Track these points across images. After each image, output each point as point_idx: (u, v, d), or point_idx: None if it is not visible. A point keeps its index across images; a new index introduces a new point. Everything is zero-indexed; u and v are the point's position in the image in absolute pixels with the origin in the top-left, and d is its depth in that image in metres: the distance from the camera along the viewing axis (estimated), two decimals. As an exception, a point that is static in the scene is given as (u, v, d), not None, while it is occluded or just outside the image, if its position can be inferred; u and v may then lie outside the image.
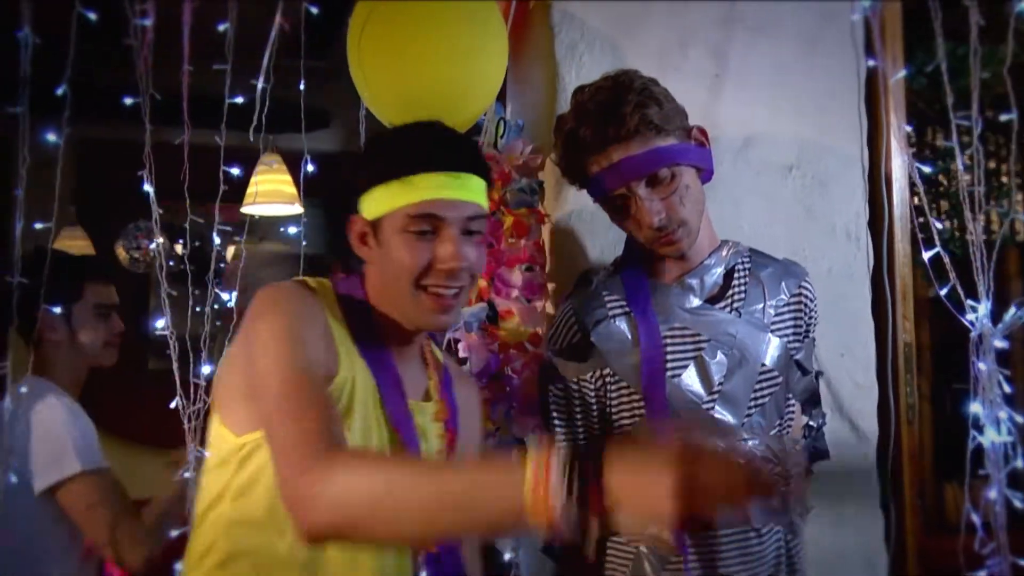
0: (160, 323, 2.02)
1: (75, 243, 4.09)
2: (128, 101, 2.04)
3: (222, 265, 2.38)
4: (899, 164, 2.26)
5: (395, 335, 1.44)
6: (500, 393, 1.94)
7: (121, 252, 4.73)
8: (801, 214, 2.19)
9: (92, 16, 2.03)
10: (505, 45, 1.82)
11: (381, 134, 1.53)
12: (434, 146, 1.38)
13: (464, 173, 1.35)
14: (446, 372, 1.56)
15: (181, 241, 2.18)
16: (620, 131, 1.58)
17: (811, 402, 1.86)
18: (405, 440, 1.38)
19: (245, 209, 3.30)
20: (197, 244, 2.08)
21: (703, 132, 1.69)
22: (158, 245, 2.11)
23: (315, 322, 1.32)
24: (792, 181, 2.20)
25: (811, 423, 1.87)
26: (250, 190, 3.29)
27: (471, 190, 1.36)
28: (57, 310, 2.10)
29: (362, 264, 1.45)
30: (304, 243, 2.33)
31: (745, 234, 2.06)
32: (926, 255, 1.73)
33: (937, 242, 1.69)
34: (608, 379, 1.69)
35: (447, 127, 1.43)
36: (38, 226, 2.06)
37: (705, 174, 1.70)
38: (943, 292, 1.65)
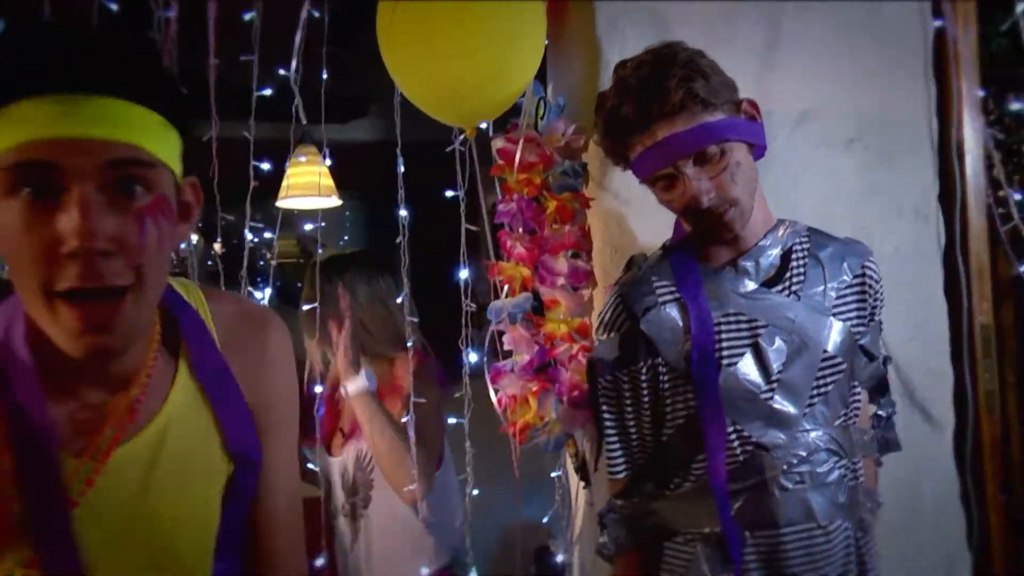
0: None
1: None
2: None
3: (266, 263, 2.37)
4: (972, 133, 2.16)
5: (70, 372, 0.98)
6: (547, 386, 1.90)
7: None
8: (864, 191, 2.11)
9: (114, 7, 2.04)
10: (542, 21, 1.76)
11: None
12: (37, 54, 0.89)
13: (94, 96, 0.88)
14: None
15: (219, 240, 2.17)
16: (664, 107, 1.52)
17: (879, 390, 1.80)
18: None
19: (280, 203, 3.30)
20: (234, 242, 2.08)
21: (753, 105, 1.61)
22: (194, 244, 2.10)
23: None
24: (853, 156, 2.11)
25: (879, 412, 1.82)
26: (284, 183, 3.28)
27: (111, 121, 0.89)
28: None
29: None
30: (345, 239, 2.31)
31: (803, 213, 1.97)
32: (1003, 230, 1.65)
33: (1016, 216, 1.60)
34: (660, 369, 1.63)
35: (70, 27, 0.92)
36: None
37: (757, 150, 1.62)
38: (1024, 269, 1.57)
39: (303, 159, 3.06)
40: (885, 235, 2.08)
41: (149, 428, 1.01)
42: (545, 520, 2.15)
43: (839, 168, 2.10)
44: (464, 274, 2.06)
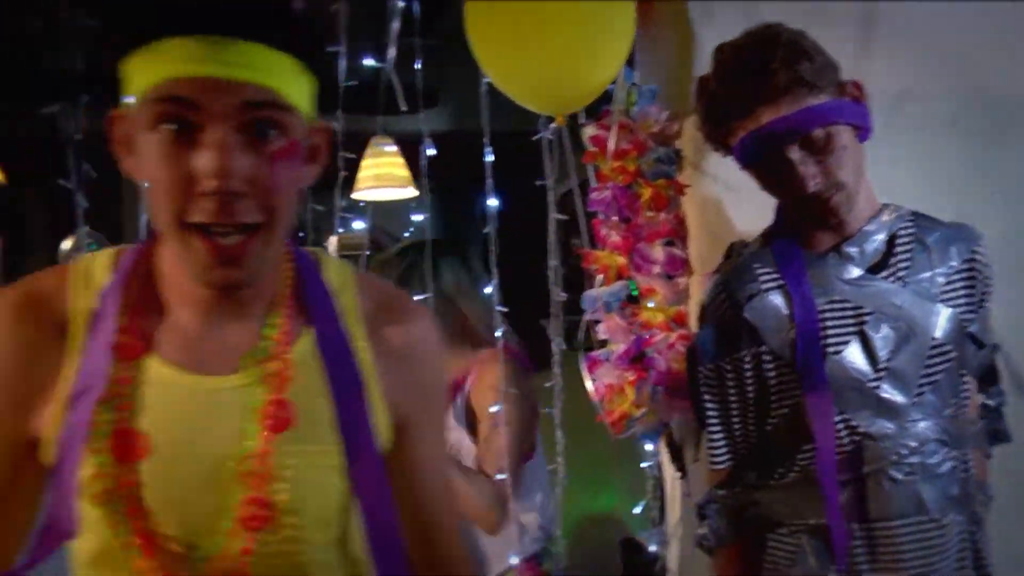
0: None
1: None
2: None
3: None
4: None
5: (198, 305, 1.02)
6: (644, 375, 1.91)
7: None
8: (967, 173, 2.07)
9: None
10: (632, 7, 1.77)
11: None
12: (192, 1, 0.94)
13: (238, 39, 0.92)
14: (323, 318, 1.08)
15: (303, 235, 2.21)
16: (768, 90, 1.52)
17: (988, 379, 1.76)
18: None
19: (356, 195, 3.34)
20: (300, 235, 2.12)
21: (858, 86, 1.60)
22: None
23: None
24: (956, 137, 2.08)
25: (988, 402, 1.78)
26: (361, 174, 3.32)
27: (251, 64, 0.93)
28: None
29: None
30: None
31: (903, 197, 1.96)
32: None
33: None
34: (764, 357, 1.63)
35: None
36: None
37: (862, 132, 1.61)
38: None
39: (388, 148, 3.11)
40: (990, 218, 2.00)
41: (236, 371, 1.03)
42: (637, 510, 2.16)
43: (941, 150, 2.07)
44: (553, 263, 2.08)
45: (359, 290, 1.11)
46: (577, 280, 2.09)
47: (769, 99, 1.52)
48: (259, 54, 0.93)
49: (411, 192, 3.41)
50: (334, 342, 1.05)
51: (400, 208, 3.71)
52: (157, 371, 1.00)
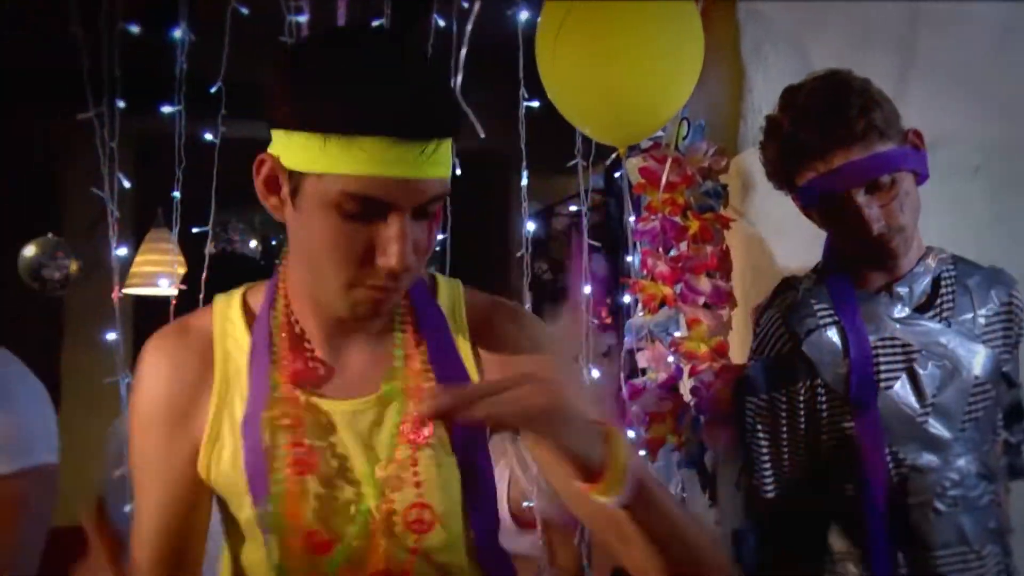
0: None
1: (162, 245, 4.11)
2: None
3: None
4: None
5: (330, 328, 1.15)
6: (682, 404, 1.98)
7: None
8: (989, 218, 2.17)
9: (245, 12, 2.08)
10: (702, 46, 1.85)
11: (317, 41, 1.10)
12: (396, 100, 0.98)
13: (430, 140, 0.99)
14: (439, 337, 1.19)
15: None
16: (844, 135, 1.60)
17: (1014, 417, 1.87)
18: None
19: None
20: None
21: (918, 135, 1.70)
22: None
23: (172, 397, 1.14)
24: (979, 183, 2.18)
25: (1010, 439, 1.88)
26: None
27: (436, 162, 1.01)
28: None
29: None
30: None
31: (930, 240, 2.06)
32: None
33: None
34: (818, 391, 1.71)
35: (413, 57, 1.03)
36: (195, 230, 2.12)
37: (920, 178, 1.71)
38: None
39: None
40: (1010, 263, 2.11)
41: (377, 392, 1.14)
42: None
43: (965, 195, 2.16)
44: (587, 290, 2.13)
45: (468, 303, 1.21)
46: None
47: (843, 143, 1.60)
48: (441, 149, 1.01)
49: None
50: (445, 354, 1.16)
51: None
52: (307, 398, 1.13)
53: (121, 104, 1.91)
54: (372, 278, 1.02)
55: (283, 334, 1.14)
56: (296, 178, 1.02)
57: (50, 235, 3.10)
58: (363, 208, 0.99)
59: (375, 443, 1.12)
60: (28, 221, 3.21)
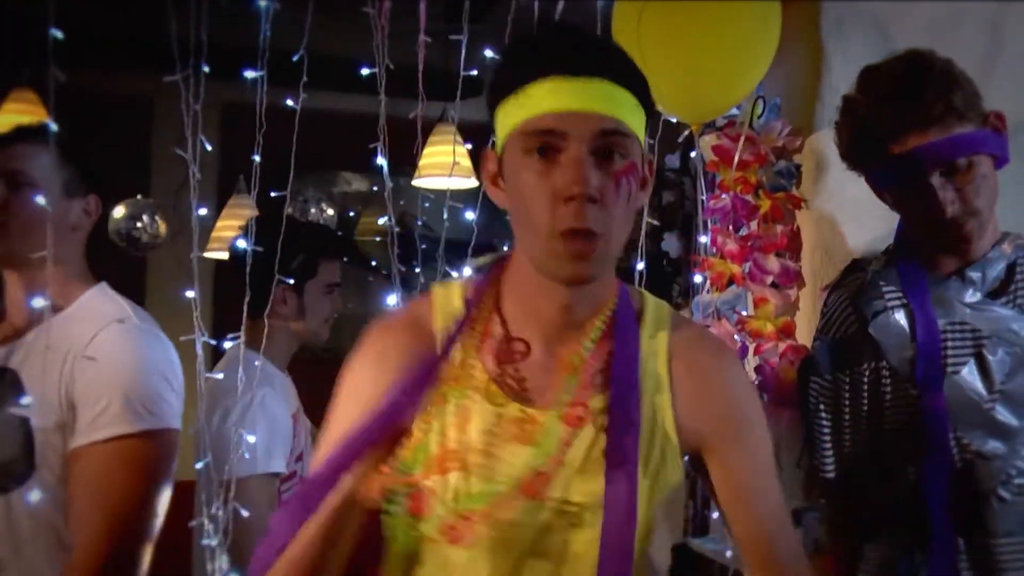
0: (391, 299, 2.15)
1: (245, 212, 4.25)
2: (364, 72, 2.16)
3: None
4: None
5: (537, 324, 1.24)
6: (748, 382, 2.01)
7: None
8: None
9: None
10: (778, 26, 1.87)
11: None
12: (550, 46, 1.17)
13: (593, 78, 1.13)
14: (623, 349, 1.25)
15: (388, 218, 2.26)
16: (921, 116, 1.60)
17: None
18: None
19: (416, 182, 3.40)
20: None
21: (1000, 117, 1.69)
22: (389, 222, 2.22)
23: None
24: None
25: None
26: (423, 161, 3.38)
27: (604, 99, 1.14)
28: (291, 282, 2.23)
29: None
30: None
31: (1007, 225, 2.05)
32: None
33: None
34: (883, 373, 1.72)
35: (574, 26, 1.22)
36: (273, 194, 2.20)
37: (999, 162, 1.70)
38: None
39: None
40: None
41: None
42: (716, 515, 2.25)
43: None
44: (640, 266, 2.15)
45: (673, 326, 1.29)
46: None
47: (920, 125, 1.60)
48: (609, 91, 1.14)
49: (472, 182, 3.46)
50: (626, 376, 1.22)
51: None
52: (489, 391, 1.22)
53: (206, 69, 1.98)
54: (566, 221, 1.11)
55: (485, 326, 1.25)
56: (502, 153, 1.19)
57: (139, 197, 3.24)
58: (544, 143, 1.13)
59: (537, 452, 1.20)
60: (119, 183, 3.34)
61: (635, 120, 1.16)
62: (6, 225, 1.70)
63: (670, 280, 2.24)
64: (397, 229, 2.23)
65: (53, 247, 1.69)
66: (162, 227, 4.42)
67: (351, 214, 5.18)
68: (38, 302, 1.71)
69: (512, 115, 1.15)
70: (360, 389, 1.24)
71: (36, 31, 1.68)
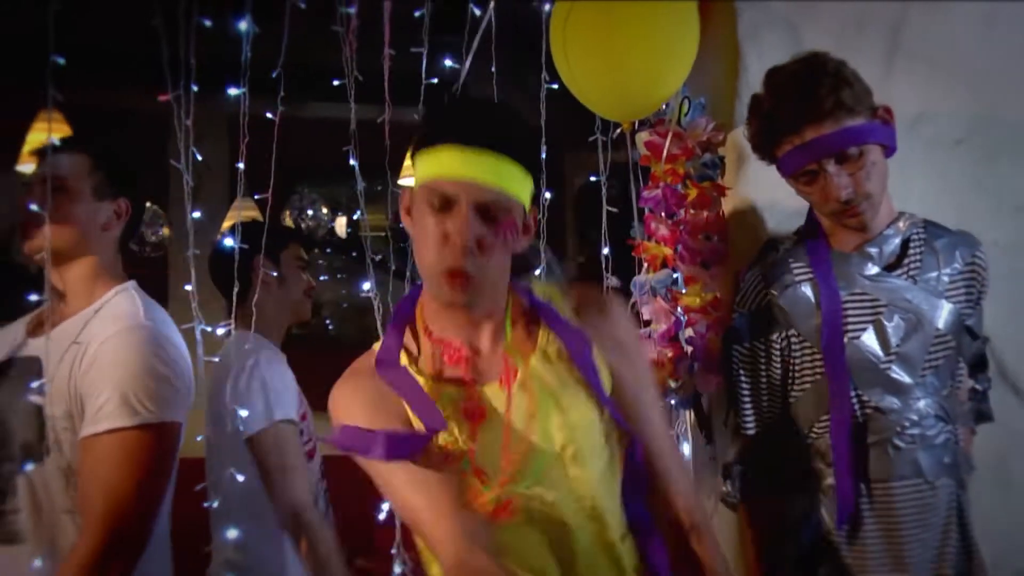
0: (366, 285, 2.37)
1: (248, 213, 4.48)
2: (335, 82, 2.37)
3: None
4: None
5: (451, 323, 1.47)
6: (681, 353, 2.20)
7: (288, 221, 5.30)
8: (968, 187, 2.30)
9: (302, 5, 2.35)
10: (697, 26, 2.02)
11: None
12: (455, 117, 1.43)
13: (484, 151, 1.35)
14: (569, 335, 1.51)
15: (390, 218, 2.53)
16: (815, 111, 1.76)
17: (978, 366, 2.03)
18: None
19: (401, 181, 3.60)
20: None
21: (888, 111, 1.84)
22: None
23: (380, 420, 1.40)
24: (960, 155, 2.31)
25: (977, 386, 2.04)
26: (406, 163, 3.58)
27: (490, 171, 1.36)
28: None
29: None
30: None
31: (914, 207, 2.19)
32: None
33: None
34: (793, 339, 1.89)
35: (493, 102, 1.51)
36: (256, 197, 2.42)
37: (889, 150, 1.86)
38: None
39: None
40: (986, 228, 2.21)
41: (520, 373, 1.45)
42: None
43: (947, 166, 2.30)
44: (606, 251, 2.36)
45: (563, 296, 1.55)
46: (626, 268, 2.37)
47: (815, 119, 1.76)
48: (495, 164, 1.36)
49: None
50: (572, 336, 1.48)
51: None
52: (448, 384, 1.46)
53: (195, 88, 2.18)
54: (446, 261, 1.36)
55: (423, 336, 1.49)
56: (413, 195, 1.42)
57: (148, 204, 3.45)
58: (440, 201, 1.36)
59: (538, 411, 1.45)
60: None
61: (516, 184, 1.39)
62: (39, 226, 1.86)
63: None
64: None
65: (83, 245, 1.90)
66: (166, 230, 4.74)
67: (358, 213, 5.50)
68: (54, 297, 1.91)
69: (421, 169, 1.40)
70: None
71: (60, 54, 1.89)
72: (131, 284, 1.98)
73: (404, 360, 1.47)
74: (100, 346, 1.83)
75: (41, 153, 1.96)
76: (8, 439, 1.86)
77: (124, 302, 1.94)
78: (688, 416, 2.35)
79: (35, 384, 1.83)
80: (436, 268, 1.37)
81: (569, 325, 1.49)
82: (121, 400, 1.79)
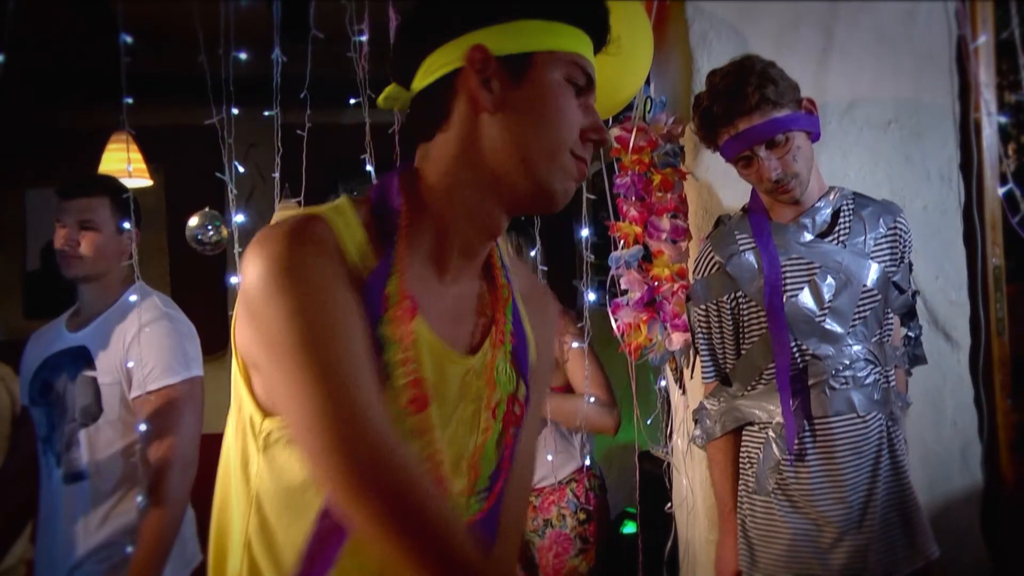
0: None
1: (287, 212, 4.67)
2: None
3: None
4: (986, 115, 2.45)
5: (455, 248, 1.09)
6: (654, 315, 2.36)
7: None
8: (899, 161, 2.40)
9: (321, 35, 2.53)
10: (651, 40, 2.18)
11: None
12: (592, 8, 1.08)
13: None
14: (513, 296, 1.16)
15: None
16: (744, 106, 1.87)
17: (909, 316, 2.11)
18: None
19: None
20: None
21: (812, 102, 1.95)
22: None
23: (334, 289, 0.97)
24: (891, 134, 2.40)
25: (909, 333, 2.13)
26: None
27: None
28: None
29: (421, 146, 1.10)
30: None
31: (852, 181, 2.32)
32: (1001, 191, 2.03)
33: (1011, 180, 1.97)
34: (741, 300, 2.00)
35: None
36: (292, 201, 2.62)
37: (813, 136, 1.96)
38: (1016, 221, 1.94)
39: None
40: (916, 196, 2.38)
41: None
42: (648, 422, 2.51)
43: (880, 144, 2.40)
44: (585, 232, 2.52)
45: (513, 271, 1.21)
46: (604, 247, 2.51)
47: (745, 112, 1.87)
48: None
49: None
50: (518, 315, 1.17)
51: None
52: (426, 335, 1.05)
53: (235, 111, 2.40)
54: (581, 149, 1.06)
55: (411, 257, 1.06)
56: (518, 60, 1.03)
57: (207, 208, 3.60)
58: (586, 82, 1.06)
59: (480, 388, 1.11)
60: (199, 195, 3.78)
61: None
62: (79, 257, 2.25)
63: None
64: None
65: (106, 267, 2.28)
66: (224, 231, 4.95)
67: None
68: (85, 300, 2.31)
69: (565, 37, 1.05)
70: (328, 302, 0.96)
71: (129, 72, 2.13)
72: (140, 283, 2.32)
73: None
74: (141, 330, 2.20)
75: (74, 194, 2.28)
76: (71, 407, 2.21)
77: (144, 297, 2.29)
78: (666, 371, 2.50)
79: (87, 365, 2.21)
80: (566, 151, 1.05)
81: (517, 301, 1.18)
82: (165, 365, 2.19)
